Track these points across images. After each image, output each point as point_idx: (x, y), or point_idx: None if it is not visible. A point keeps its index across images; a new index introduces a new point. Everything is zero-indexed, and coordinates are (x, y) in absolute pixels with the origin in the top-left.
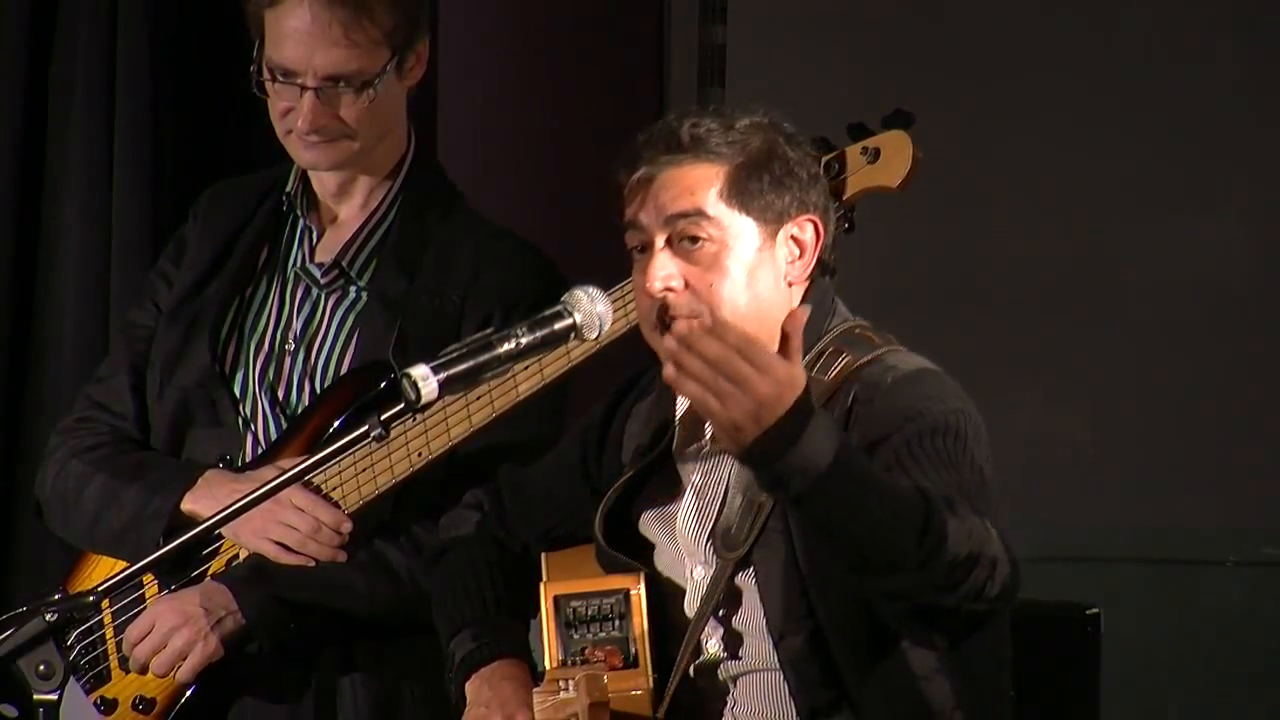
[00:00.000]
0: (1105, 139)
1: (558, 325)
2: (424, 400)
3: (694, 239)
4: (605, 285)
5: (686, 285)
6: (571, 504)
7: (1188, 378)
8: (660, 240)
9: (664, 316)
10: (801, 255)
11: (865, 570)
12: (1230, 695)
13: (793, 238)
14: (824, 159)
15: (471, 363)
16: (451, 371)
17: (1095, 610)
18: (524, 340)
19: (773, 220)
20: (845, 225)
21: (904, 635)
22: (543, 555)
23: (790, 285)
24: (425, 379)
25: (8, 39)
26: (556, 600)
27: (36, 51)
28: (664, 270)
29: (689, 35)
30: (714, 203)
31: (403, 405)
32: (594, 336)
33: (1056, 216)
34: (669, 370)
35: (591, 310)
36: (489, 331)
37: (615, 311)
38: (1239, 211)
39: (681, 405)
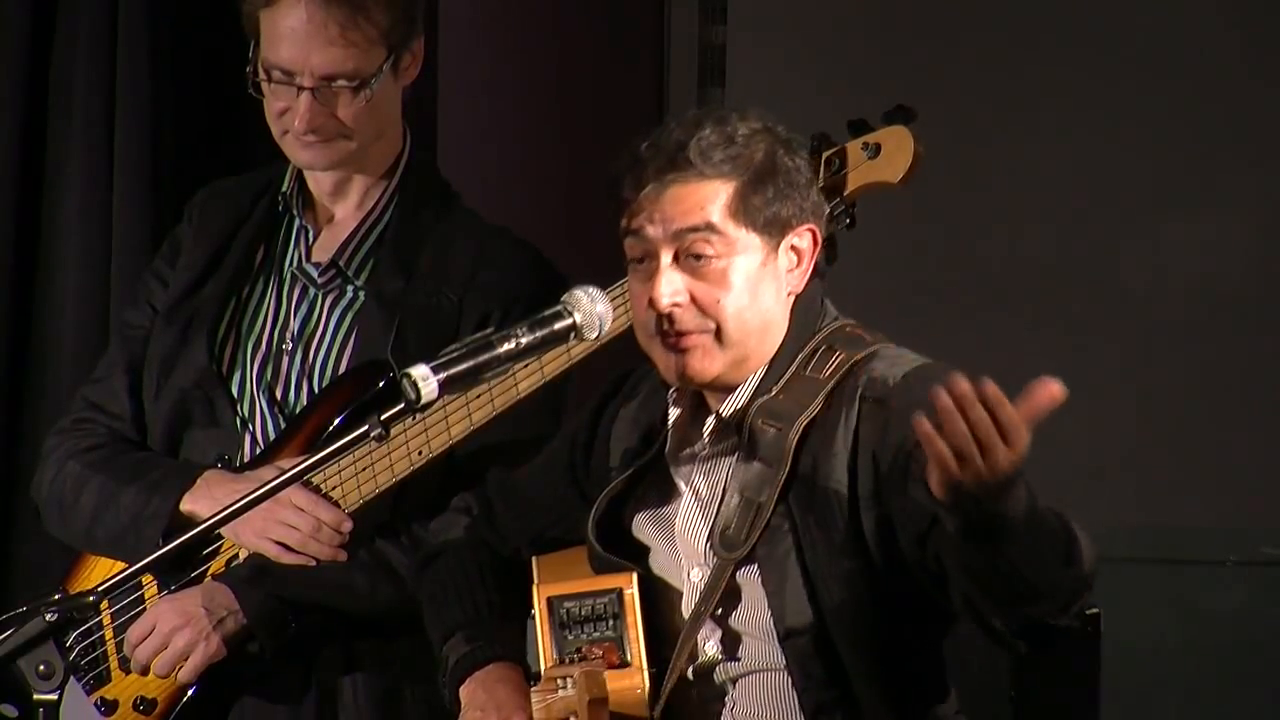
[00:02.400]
0: (1106, 138)
1: (558, 325)
2: (424, 400)
3: (700, 255)
4: (605, 284)
5: (692, 299)
6: (561, 507)
7: (1188, 377)
8: (667, 256)
9: (667, 328)
10: (800, 264)
11: (1012, 603)
12: (1230, 695)
13: (793, 247)
14: (825, 155)
15: (471, 363)
16: (451, 371)
17: (1095, 610)
18: (524, 340)
19: (776, 233)
20: (847, 221)
21: (907, 634)
22: (534, 559)
23: (790, 295)
24: (425, 379)
25: (8, 39)
26: (550, 601)
27: (36, 51)
28: (671, 286)
29: (689, 35)
30: (722, 218)
31: (403, 405)
32: (594, 336)
33: (1056, 216)
34: (924, 425)
35: (591, 310)
36: (489, 331)
37: (615, 310)
38: (1240, 211)
39: (674, 410)
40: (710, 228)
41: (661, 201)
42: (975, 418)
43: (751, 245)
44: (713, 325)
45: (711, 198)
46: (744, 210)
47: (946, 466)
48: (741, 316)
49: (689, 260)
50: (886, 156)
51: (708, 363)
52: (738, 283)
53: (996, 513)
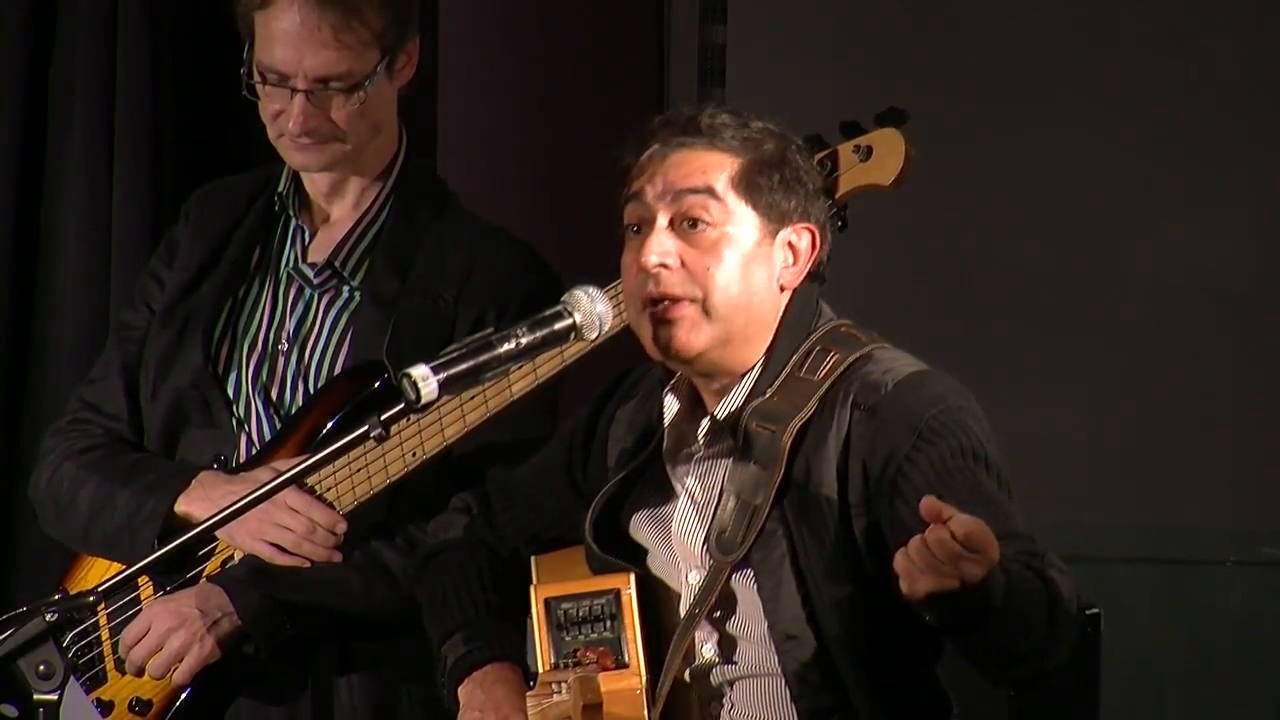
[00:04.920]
0: (1105, 138)
1: (558, 325)
2: (424, 400)
3: (695, 222)
4: (604, 284)
5: (682, 264)
6: (559, 508)
7: (1188, 378)
8: (663, 219)
9: (654, 297)
10: (795, 262)
11: (997, 671)
12: (1230, 695)
13: (789, 243)
14: (817, 157)
15: (472, 363)
16: (452, 371)
17: (1095, 610)
18: (524, 340)
19: (775, 220)
20: (839, 224)
21: (903, 640)
22: (532, 558)
23: (782, 289)
24: (425, 379)
25: (8, 39)
26: (547, 602)
27: (36, 51)
28: (661, 247)
29: (689, 35)
30: (724, 187)
31: (403, 405)
32: (594, 337)
33: (1056, 216)
34: (900, 561)
35: (591, 310)
36: (489, 331)
37: (614, 309)
38: (1239, 211)
39: (670, 409)
40: (710, 191)
41: (665, 164)
42: (933, 539)
43: (749, 221)
44: (699, 294)
45: (716, 166)
46: (746, 186)
47: (915, 583)
48: (729, 290)
49: (684, 226)
50: (878, 159)
51: (694, 335)
52: (729, 256)
53: (972, 609)
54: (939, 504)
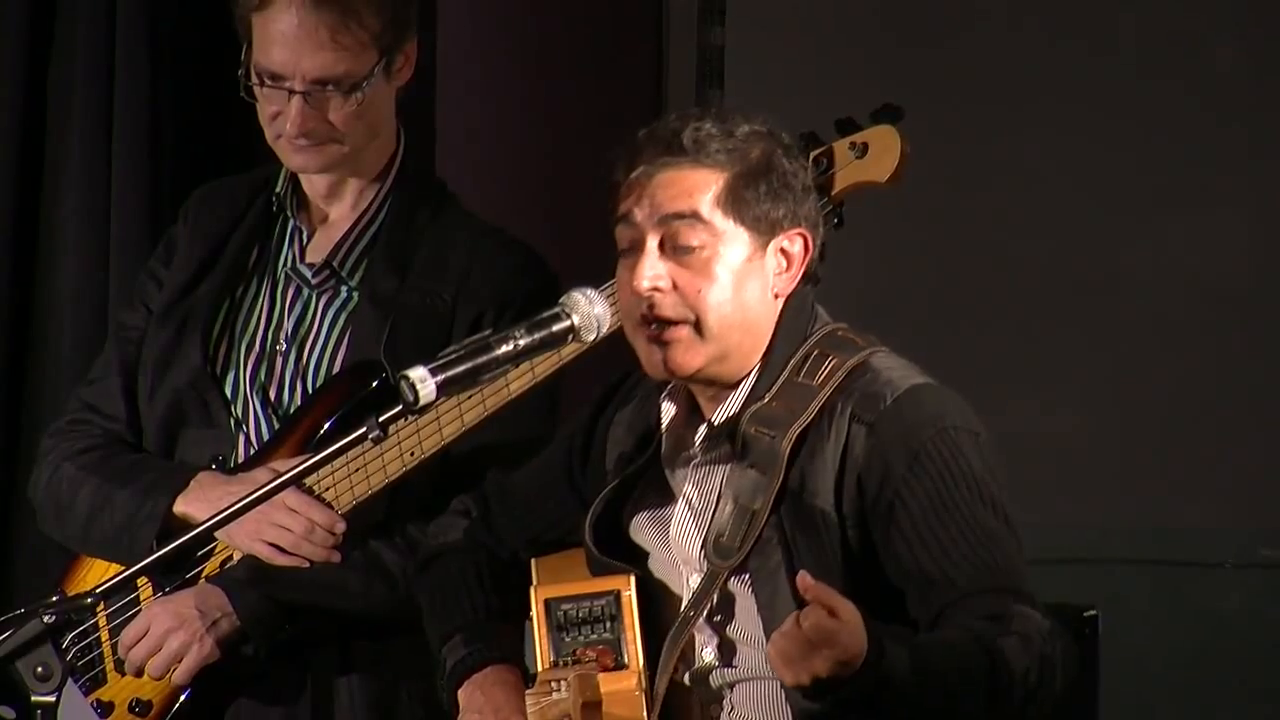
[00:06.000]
0: (1105, 138)
1: (556, 327)
2: (422, 402)
3: (686, 245)
4: (602, 285)
5: (675, 287)
6: (559, 511)
7: (1187, 378)
8: (652, 241)
9: (649, 318)
10: (789, 268)
11: None
12: (1228, 696)
13: (782, 250)
14: (812, 154)
15: (470, 364)
16: (450, 373)
17: (1094, 611)
18: (522, 342)
19: (765, 231)
20: (834, 221)
21: None
22: (532, 560)
23: (776, 297)
24: (423, 380)
25: (8, 39)
26: (547, 603)
27: (36, 51)
28: (653, 270)
29: (689, 35)
30: (710, 208)
31: (400, 407)
32: (592, 339)
33: (1055, 215)
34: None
35: (590, 312)
36: (487, 333)
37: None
38: (1238, 211)
39: (668, 412)
40: (697, 216)
41: (651, 185)
42: (783, 630)
43: (738, 239)
44: (693, 316)
45: (702, 186)
46: (733, 203)
47: (780, 673)
48: (723, 309)
49: (674, 249)
50: (874, 156)
51: (689, 356)
52: (721, 275)
53: (866, 692)
54: (809, 582)
